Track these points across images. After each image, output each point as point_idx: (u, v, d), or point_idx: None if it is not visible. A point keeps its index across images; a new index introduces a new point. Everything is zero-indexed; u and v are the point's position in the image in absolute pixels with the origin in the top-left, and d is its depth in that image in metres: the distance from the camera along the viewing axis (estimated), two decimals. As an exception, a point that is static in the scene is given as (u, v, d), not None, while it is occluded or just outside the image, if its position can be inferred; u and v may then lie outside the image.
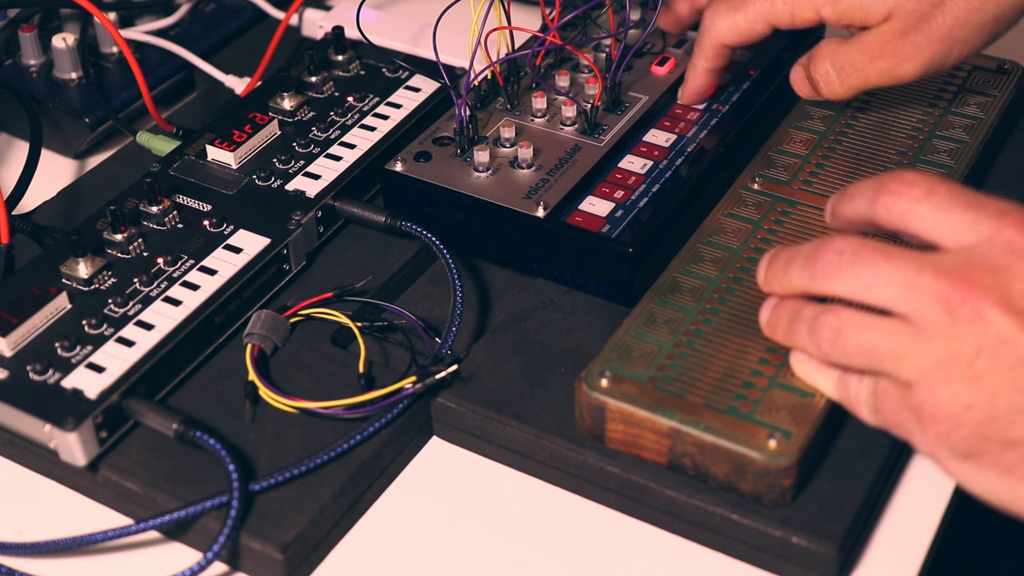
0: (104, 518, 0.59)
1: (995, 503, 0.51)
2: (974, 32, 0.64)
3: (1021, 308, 0.49)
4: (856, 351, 0.52)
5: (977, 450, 0.50)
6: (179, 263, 0.64)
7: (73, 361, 0.59)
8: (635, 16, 0.79)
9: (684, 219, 0.67)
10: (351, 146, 0.72)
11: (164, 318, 0.62)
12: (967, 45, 0.64)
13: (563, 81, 0.74)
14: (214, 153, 0.71)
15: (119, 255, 0.65)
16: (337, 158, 0.71)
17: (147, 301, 0.62)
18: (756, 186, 0.68)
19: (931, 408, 0.50)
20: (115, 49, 0.83)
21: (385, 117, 0.74)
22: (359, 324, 0.64)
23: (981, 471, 0.51)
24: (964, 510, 0.60)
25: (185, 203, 0.68)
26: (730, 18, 0.68)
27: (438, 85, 0.76)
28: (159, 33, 0.85)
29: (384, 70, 0.78)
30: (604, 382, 0.57)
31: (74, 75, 0.81)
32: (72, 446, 0.57)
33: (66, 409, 0.57)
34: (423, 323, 0.65)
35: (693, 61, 0.71)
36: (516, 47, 0.74)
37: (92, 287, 0.63)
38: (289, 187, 0.69)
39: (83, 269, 0.63)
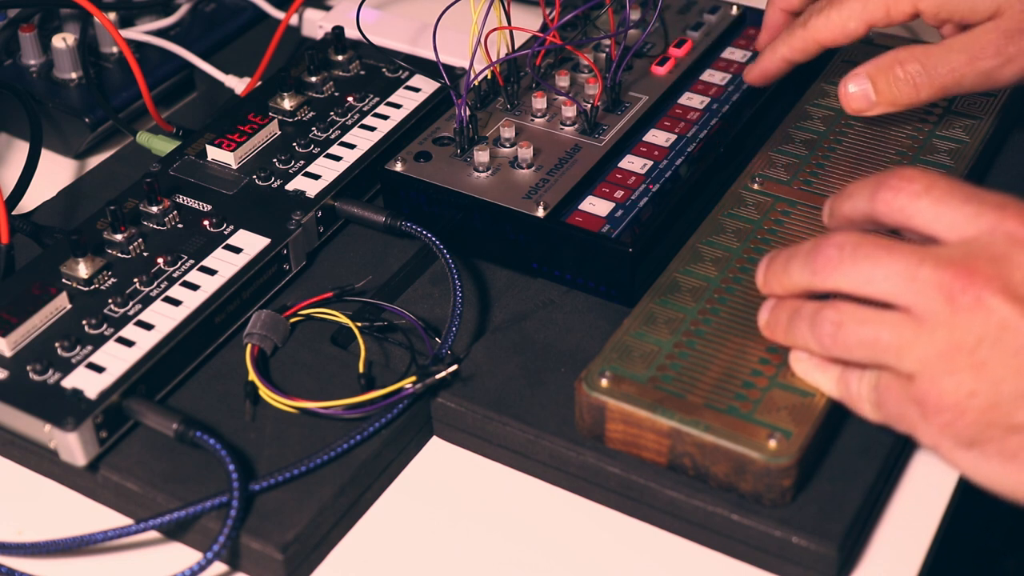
0: (104, 518, 0.59)
1: (1000, 491, 0.51)
2: None
3: (1022, 295, 0.49)
4: (858, 344, 0.52)
5: (981, 438, 0.50)
6: (179, 263, 0.64)
7: (73, 361, 0.59)
8: (635, 16, 0.79)
9: (684, 219, 0.67)
10: (351, 146, 0.72)
11: (164, 318, 0.62)
12: None
13: (563, 81, 0.73)
14: (214, 153, 0.71)
15: (119, 255, 0.65)
16: (337, 158, 0.71)
17: (147, 301, 0.62)
18: (756, 186, 0.68)
19: (934, 398, 0.50)
20: (115, 49, 0.83)
21: (385, 117, 0.74)
22: (359, 324, 0.64)
23: (986, 459, 0.51)
24: (965, 508, 0.60)
25: (185, 203, 0.68)
26: (825, 15, 0.66)
27: (438, 85, 0.76)
28: (159, 33, 0.85)
29: (384, 70, 0.78)
30: (604, 382, 0.57)
31: (74, 75, 0.81)
32: (72, 446, 0.57)
33: (66, 409, 0.57)
34: (423, 323, 0.65)
35: (775, 45, 0.69)
36: (516, 47, 0.74)
37: (92, 287, 0.63)
38: (289, 187, 0.69)
39: (83, 269, 0.63)
